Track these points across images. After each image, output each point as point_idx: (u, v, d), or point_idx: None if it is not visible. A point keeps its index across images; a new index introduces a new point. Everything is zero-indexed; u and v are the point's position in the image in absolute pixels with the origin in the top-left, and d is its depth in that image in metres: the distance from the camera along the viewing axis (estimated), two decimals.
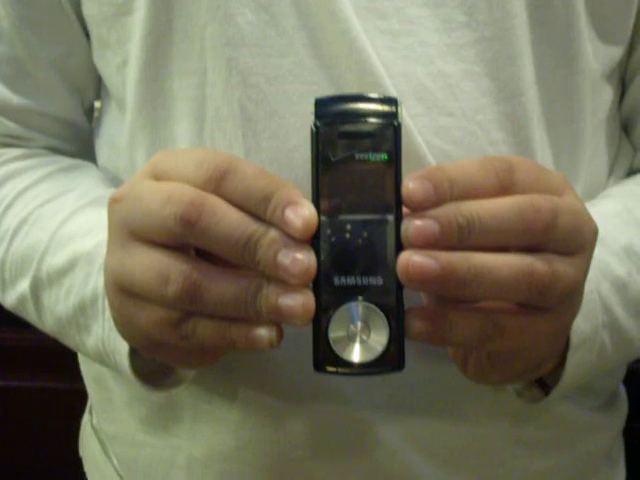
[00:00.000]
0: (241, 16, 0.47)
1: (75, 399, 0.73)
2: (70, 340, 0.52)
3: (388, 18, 0.47)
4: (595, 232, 0.42)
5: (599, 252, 0.45)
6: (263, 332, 0.39)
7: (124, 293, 0.41)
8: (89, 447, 0.65)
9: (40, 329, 0.55)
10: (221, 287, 0.39)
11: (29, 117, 0.58)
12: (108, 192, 0.54)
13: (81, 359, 0.63)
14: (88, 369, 0.61)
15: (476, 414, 0.52)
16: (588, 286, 0.44)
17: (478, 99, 0.48)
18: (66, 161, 0.58)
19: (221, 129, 0.49)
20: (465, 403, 0.52)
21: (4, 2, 0.55)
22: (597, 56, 0.52)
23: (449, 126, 0.48)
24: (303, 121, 0.47)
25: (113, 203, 0.42)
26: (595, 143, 0.55)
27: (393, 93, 0.46)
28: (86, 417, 0.67)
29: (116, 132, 0.56)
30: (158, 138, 0.51)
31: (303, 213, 0.37)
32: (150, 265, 0.39)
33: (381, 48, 0.47)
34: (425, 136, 0.47)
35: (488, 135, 0.49)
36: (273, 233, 0.38)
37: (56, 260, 0.51)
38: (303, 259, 0.37)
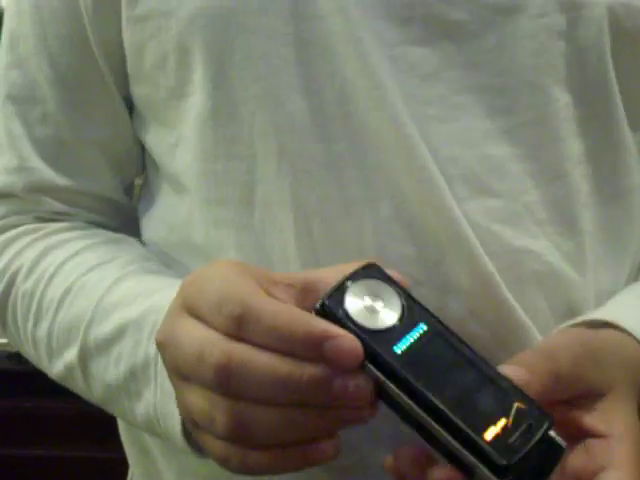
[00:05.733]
0: (291, 103, 0.48)
1: (114, 467, 0.73)
2: (119, 407, 0.52)
3: (433, 105, 0.48)
4: None
5: None
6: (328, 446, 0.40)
7: (189, 422, 0.43)
8: None
9: (86, 398, 0.55)
10: (266, 422, 0.39)
11: (73, 196, 0.59)
12: (150, 264, 0.55)
13: (122, 427, 0.63)
14: (132, 439, 0.61)
15: None
16: None
17: (523, 181, 0.50)
18: (109, 234, 0.60)
19: (271, 214, 0.50)
20: None
21: (50, 85, 0.56)
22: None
23: (496, 207, 0.49)
24: (355, 210, 0.48)
25: (159, 346, 0.43)
26: None
27: (440, 177, 0.48)
28: None
29: (168, 209, 0.57)
30: (213, 220, 0.52)
31: (349, 345, 0.38)
32: (200, 406, 0.41)
33: (428, 134, 0.48)
34: (472, 218, 0.48)
35: (533, 215, 0.50)
36: (311, 369, 0.38)
37: (104, 328, 0.52)
38: (362, 384, 0.38)
